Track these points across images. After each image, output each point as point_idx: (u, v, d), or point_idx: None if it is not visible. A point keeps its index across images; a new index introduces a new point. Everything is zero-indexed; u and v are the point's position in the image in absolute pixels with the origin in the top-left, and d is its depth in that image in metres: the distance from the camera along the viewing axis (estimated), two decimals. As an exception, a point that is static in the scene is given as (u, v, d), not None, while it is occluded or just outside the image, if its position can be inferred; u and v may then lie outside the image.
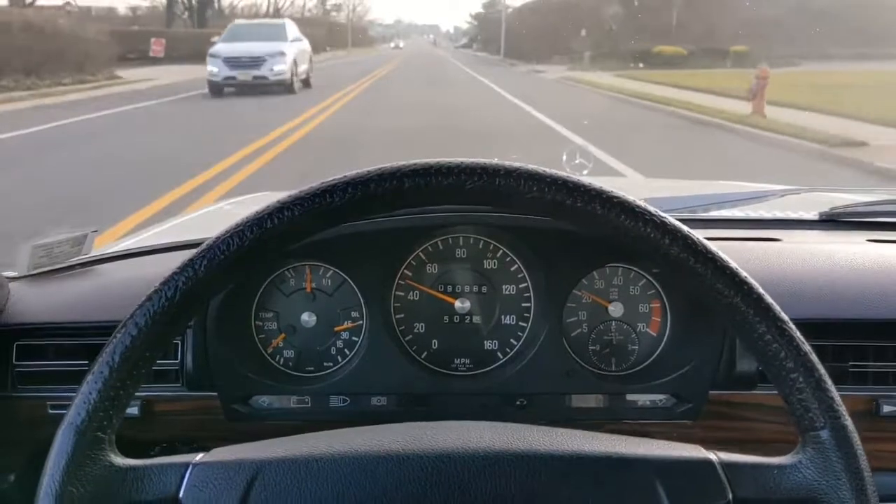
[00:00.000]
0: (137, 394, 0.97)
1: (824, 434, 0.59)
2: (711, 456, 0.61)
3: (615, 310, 1.03)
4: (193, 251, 0.59)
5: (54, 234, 1.10)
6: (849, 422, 0.59)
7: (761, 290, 0.60)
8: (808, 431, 0.59)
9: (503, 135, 9.52)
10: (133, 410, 0.98)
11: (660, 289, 1.04)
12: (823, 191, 1.63)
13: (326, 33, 59.67)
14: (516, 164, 0.59)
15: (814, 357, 0.59)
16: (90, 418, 0.58)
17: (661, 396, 1.01)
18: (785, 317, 0.59)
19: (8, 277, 1.06)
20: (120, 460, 0.60)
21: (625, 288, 1.04)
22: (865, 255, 1.11)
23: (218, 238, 0.59)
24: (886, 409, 0.99)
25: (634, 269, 1.04)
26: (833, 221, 1.27)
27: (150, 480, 0.60)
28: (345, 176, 0.59)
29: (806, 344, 0.59)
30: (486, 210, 1.00)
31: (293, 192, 0.59)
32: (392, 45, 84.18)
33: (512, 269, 1.04)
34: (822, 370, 0.59)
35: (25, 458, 1.02)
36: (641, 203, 0.60)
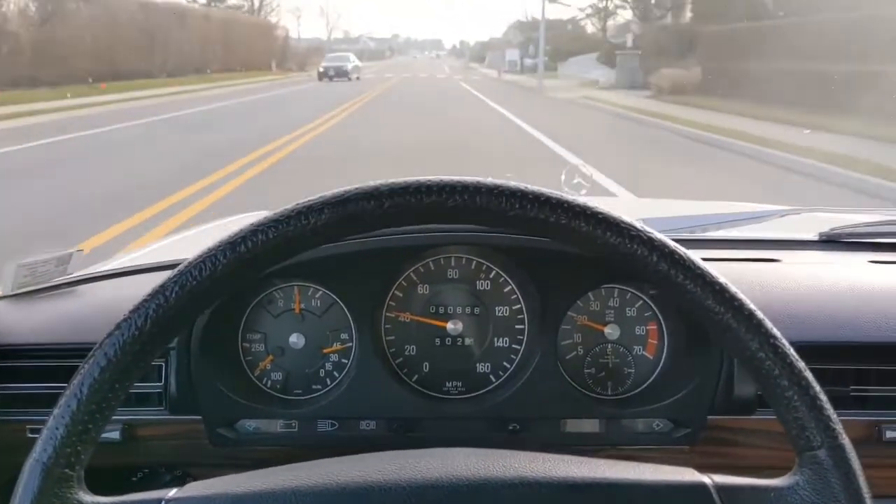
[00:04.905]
0: (119, 417, 0.95)
1: (822, 454, 0.57)
2: (706, 479, 0.59)
3: (611, 332, 1.01)
4: (165, 276, 0.57)
5: (40, 252, 1.08)
6: (846, 441, 0.57)
7: (752, 306, 0.57)
8: (805, 451, 0.57)
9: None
10: (114, 434, 0.95)
11: (656, 310, 1.01)
12: (823, 211, 1.61)
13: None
14: (499, 182, 0.57)
15: (808, 374, 0.57)
16: (57, 454, 0.55)
17: (658, 421, 0.99)
18: (777, 333, 0.57)
19: None
20: (89, 498, 0.57)
21: (621, 310, 1.02)
22: (867, 276, 1.09)
23: (190, 263, 0.56)
24: (889, 434, 0.96)
25: (630, 290, 1.02)
26: (833, 242, 1.25)
27: None
28: (322, 196, 0.56)
29: (800, 361, 0.57)
30: (477, 229, 0.98)
31: (268, 213, 0.57)
32: None
33: (505, 290, 1.01)
34: (818, 388, 0.57)
35: (3, 484, 0.99)
36: (627, 219, 0.58)
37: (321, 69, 34.48)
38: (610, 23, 37.16)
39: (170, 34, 28.68)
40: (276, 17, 53.43)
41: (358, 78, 34.54)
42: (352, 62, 35.45)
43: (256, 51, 40.01)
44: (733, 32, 17.46)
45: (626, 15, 34.08)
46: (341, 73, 33.30)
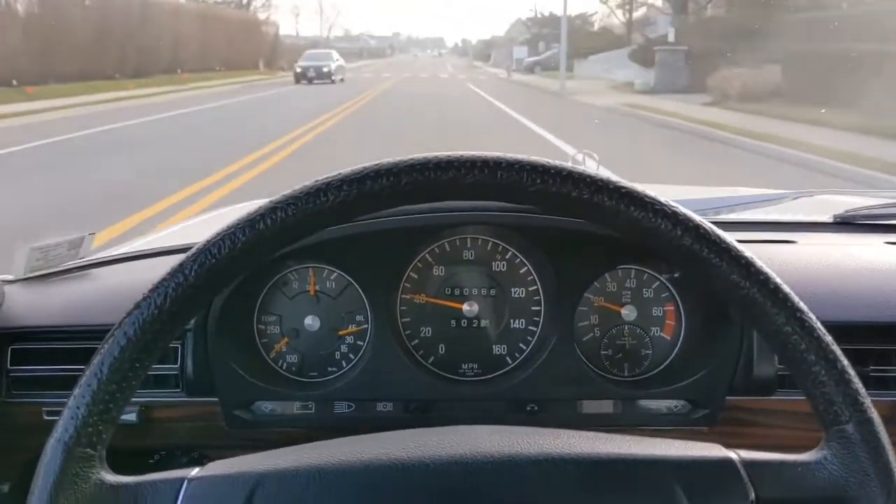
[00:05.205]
0: (136, 399, 0.94)
1: (850, 428, 0.56)
2: (732, 454, 0.59)
3: (628, 313, 1.00)
4: (184, 255, 0.57)
5: (52, 236, 1.08)
6: (875, 415, 0.56)
7: (778, 280, 0.57)
8: (833, 426, 0.57)
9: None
10: (131, 417, 0.95)
11: (674, 291, 1.01)
12: (836, 193, 1.61)
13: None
14: (519, 156, 0.56)
15: (836, 348, 0.57)
16: (79, 434, 0.55)
17: (676, 402, 0.98)
18: (804, 307, 0.57)
19: (3, 280, 1.03)
20: (111, 477, 0.57)
21: (638, 291, 1.01)
22: (883, 257, 1.08)
23: (209, 241, 0.56)
24: None
25: (647, 271, 1.01)
26: (848, 224, 1.24)
27: (143, 498, 0.56)
28: (339, 173, 0.56)
29: (827, 335, 0.57)
30: (493, 209, 0.97)
31: (286, 191, 0.56)
32: None
33: (521, 271, 1.01)
34: (845, 361, 0.57)
35: (21, 466, 0.99)
36: (651, 193, 0.57)
37: (298, 69, 30.00)
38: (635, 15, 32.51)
39: (131, 29, 23.95)
40: (266, 14, 48.33)
41: (342, 80, 30.77)
42: (335, 61, 31.05)
43: (241, 49, 35.97)
44: (833, 20, 12.40)
45: (656, 6, 29.18)
46: (322, 75, 29.44)
